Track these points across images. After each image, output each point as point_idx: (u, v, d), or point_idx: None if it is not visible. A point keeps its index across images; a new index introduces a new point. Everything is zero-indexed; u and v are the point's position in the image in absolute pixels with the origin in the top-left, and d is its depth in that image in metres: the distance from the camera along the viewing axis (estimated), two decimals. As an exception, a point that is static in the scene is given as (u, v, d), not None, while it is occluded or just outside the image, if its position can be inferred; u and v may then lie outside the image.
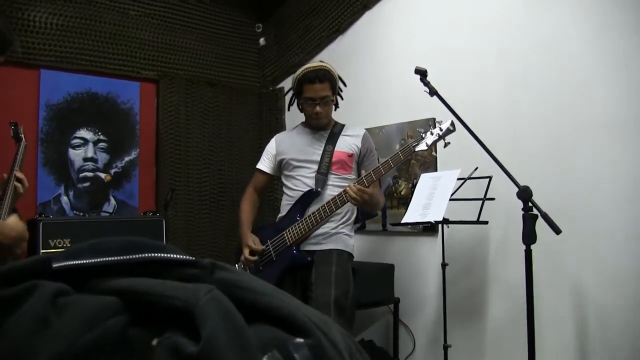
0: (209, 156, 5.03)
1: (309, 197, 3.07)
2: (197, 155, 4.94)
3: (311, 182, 3.09)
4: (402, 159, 2.94)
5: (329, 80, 3.08)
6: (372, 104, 4.53)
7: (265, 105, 5.46)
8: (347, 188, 2.87)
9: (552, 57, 3.49)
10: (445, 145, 2.81)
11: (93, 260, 0.57)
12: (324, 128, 3.19)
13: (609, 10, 3.27)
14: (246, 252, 3.13)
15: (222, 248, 5.01)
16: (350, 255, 3.13)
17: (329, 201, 2.95)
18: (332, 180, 3.10)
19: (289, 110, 3.32)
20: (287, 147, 3.22)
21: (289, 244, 3.02)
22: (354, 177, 3.15)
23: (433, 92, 2.89)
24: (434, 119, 3.92)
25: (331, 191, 3.05)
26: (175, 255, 0.61)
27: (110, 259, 0.58)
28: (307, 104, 3.10)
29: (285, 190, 3.22)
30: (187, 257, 0.61)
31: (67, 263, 0.57)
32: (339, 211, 3.06)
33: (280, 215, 3.20)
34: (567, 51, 3.43)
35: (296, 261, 3.02)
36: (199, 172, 4.95)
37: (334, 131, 3.20)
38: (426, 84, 2.89)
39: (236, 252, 3.32)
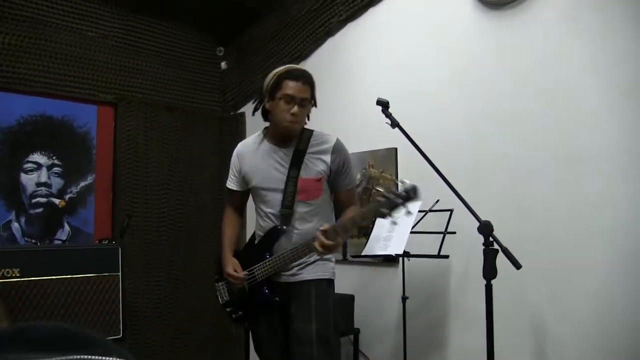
0: (167, 181, 4.96)
1: (275, 234, 2.92)
2: (155, 180, 4.87)
3: (276, 217, 2.93)
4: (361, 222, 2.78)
5: (311, 86, 2.83)
6: (334, 131, 4.38)
7: (226, 130, 5.43)
8: (314, 243, 2.61)
9: (514, 89, 3.52)
10: (408, 213, 2.48)
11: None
12: (290, 140, 2.90)
13: (572, 39, 3.30)
14: (230, 271, 3.01)
15: (180, 273, 4.96)
16: (330, 282, 3.00)
17: (294, 249, 2.79)
18: (300, 208, 2.89)
19: (253, 115, 3.06)
20: (251, 169, 2.99)
21: (259, 280, 2.93)
22: (324, 198, 2.95)
23: (395, 124, 2.89)
24: (396, 149, 4.01)
25: (299, 224, 2.89)
26: (102, 357, 0.56)
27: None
28: (283, 103, 2.78)
29: (257, 217, 3.07)
30: (117, 358, 0.56)
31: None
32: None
33: (257, 240, 3.06)
34: (530, 82, 3.46)
35: (265, 301, 2.93)
36: (157, 198, 4.88)
37: (300, 148, 2.89)
38: (388, 115, 2.88)
39: (216, 274, 3.20)
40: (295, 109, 2.78)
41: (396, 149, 4.02)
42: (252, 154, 3.00)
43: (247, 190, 3.09)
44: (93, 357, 0.56)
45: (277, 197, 2.89)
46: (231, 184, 3.13)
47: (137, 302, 4.64)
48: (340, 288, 4.20)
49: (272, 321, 2.97)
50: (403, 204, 2.41)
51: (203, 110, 5.32)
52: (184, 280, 4.91)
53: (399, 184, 2.47)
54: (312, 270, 2.91)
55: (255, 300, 2.96)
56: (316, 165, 2.87)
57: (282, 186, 2.87)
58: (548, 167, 3.35)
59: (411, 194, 2.41)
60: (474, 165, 3.65)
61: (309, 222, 2.88)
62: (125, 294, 3.95)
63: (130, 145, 4.75)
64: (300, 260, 2.87)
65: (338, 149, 2.91)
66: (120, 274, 3.84)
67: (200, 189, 5.16)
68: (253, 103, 3.07)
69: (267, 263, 2.89)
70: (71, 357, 0.54)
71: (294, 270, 2.91)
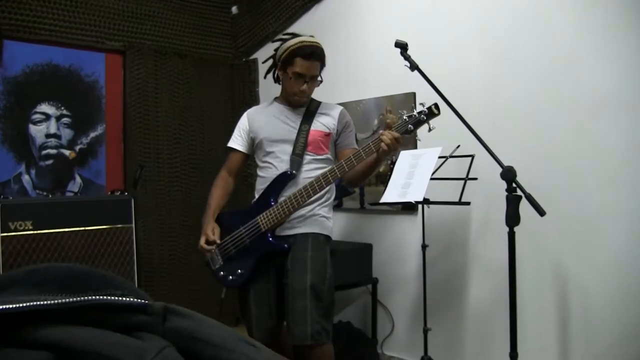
0: (179, 131, 4.95)
1: (284, 179, 2.97)
2: (167, 130, 4.85)
3: (286, 164, 3.00)
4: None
5: (321, 61, 2.98)
6: (349, 77, 4.47)
7: (238, 77, 5.38)
8: (383, 135, 2.66)
9: (535, 31, 3.46)
10: (430, 129, 2.68)
11: (23, 305, 0.49)
12: (301, 105, 3.09)
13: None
14: (202, 240, 3.05)
15: (194, 227, 4.88)
16: (328, 238, 3.05)
17: (313, 182, 2.83)
18: (307, 161, 3.00)
19: (264, 78, 3.19)
20: (261, 125, 3.10)
21: (263, 230, 2.93)
22: (329, 158, 3.08)
23: (414, 66, 2.84)
24: (414, 93, 3.95)
25: (306, 174, 2.97)
26: (122, 299, 0.52)
27: (45, 303, 0.50)
28: (294, 80, 2.96)
29: (258, 171, 3.14)
30: (136, 300, 0.53)
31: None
32: (320, 194, 3.00)
33: (253, 200, 3.12)
34: (551, 26, 3.39)
35: (272, 248, 2.95)
36: (169, 148, 4.87)
37: (310, 109, 3.09)
38: (406, 57, 2.83)
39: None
40: (305, 86, 2.97)
41: (414, 93, 3.97)
42: (263, 114, 3.14)
43: (247, 155, 3.20)
44: (111, 297, 0.53)
45: (286, 148, 3.00)
46: (234, 142, 3.20)
47: (151, 254, 4.66)
48: (358, 237, 4.37)
49: (268, 276, 3.00)
50: (426, 120, 2.66)
51: (214, 57, 5.26)
52: (197, 230, 4.79)
53: (419, 105, 2.70)
54: (311, 225, 2.99)
55: (258, 252, 2.96)
56: (325, 122, 3.07)
57: (292, 137, 3.01)
58: (572, 114, 3.30)
59: (433, 109, 2.67)
60: (496, 111, 3.60)
61: (315, 174, 2.92)
62: (139, 246, 3.97)
63: (140, 94, 4.72)
64: (299, 213, 2.94)
65: (344, 113, 3.14)
66: (133, 225, 3.87)
67: (212, 138, 5.14)
68: (263, 63, 3.24)
69: (275, 209, 2.90)
70: (89, 297, 0.52)
71: (293, 222, 2.97)
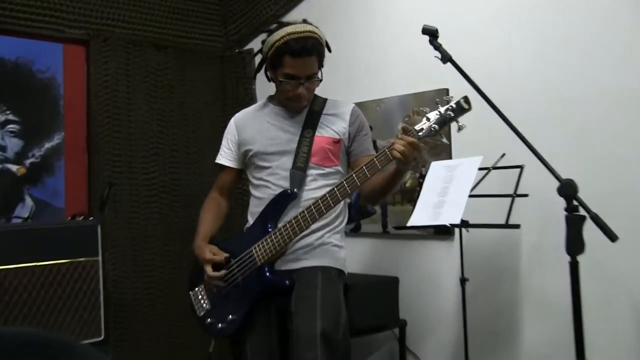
0: (158, 139, 4.94)
1: (283, 200, 2.95)
2: (142, 138, 4.85)
3: (285, 181, 2.98)
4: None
5: (318, 54, 2.92)
6: (365, 72, 4.47)
7: (229, 72, 5.39)
8: (395, 143, 2.63)
9: (595, 18, 3.47)
10: (459, 129, 2.64)
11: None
12: (301, 109, 3.07)
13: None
14: (208, 269, 3.00)
15: (176, 256, 4.95)
16: (341, 272, 3.03)
17: (317, 201, 2.79)
18: (312, 176, 2.98)
19: (254, 78, 3.20)
20: (253, 135, 3.10)
21: (259, 263, 2.91)
22: (340, 170, 3.06)
23: (446, 57, 2.78)
24: (447, 89, 3.92)
25: (311, 192, 2.95)
26: None
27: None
28: (285, 83, 2.93)
29: (252, 190, 3.13)
30: None
31: None
32: (330, 218, 2.99)
33: (247, 225, 3.11)
34: (608, 18, 3.40)
35: (270, 287, 2.92)
36: (145, 161, 4.86)
37: (314, 109, 3.08)
38: (437, 47, 2.79)
39: (189, 277, 3.23)
40: (300, 89, 2.94)
41: (447, 90, 3.96)
42: (255, 119, 3.14)
43: (240, 170, 3.21)
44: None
45: (286, 162, 2.99)
46: (222, 158, 3.21)
47: (123, 294, 4.63)
48: (380, 269, 4.35)
49: (267, 322, 2.98)
50: (453, 117, 2.61)
51: (200, 47, 5.27)
52: (182, 265, 4.88)
53: (444, 100, 2.66)
54: (320, 256, 2.98)
55: (252, 292, 2.94)
56: (334, 124, 3.05)
57: (292, 147, 3.00)
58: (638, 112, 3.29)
59: (462, 103, 2.60)
60: (550, 112, 3.61)
61: (322, 192, 2.85)
62: (108, 284, 3.95)
63: (109, 94, 4.70)
64: (305, 242, 2.93)
65: (357, 113, 3.12)
66: (100, 258, 3.84)
67: (199, 148, 5.13)
68: (254, 57, 3.27)
69: (274, 237, 2.87)
70: None
71: (298, 254, 2.95)
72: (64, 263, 3.70)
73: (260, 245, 2.90)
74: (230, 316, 2.97)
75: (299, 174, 2.95)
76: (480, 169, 3.37)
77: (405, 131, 2.66)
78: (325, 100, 3.12)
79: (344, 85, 4.25)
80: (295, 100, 2.98)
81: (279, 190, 2.97)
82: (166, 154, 4.98)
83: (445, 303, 4.06)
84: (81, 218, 3.99)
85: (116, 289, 4.53)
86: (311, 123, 3.03)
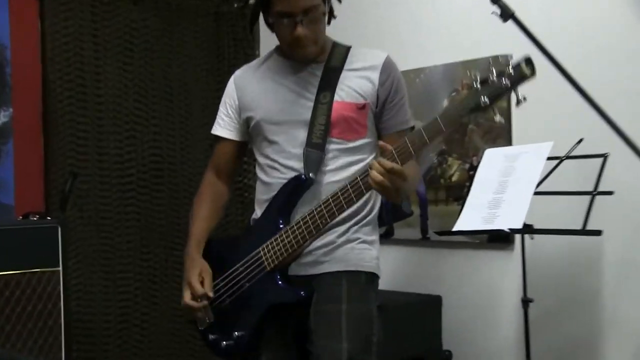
0: (135, 118, 4.86)
1: (297, 189, 2.85)
2: (115, 117, 4.77)
3: (297, 161, 2.86)
4: (443, 128, 2.59)
5: None
6: (402, 33, 4.44)
7: (226, 33, 5.34)
8: (370, 167, 2.54)
9: None
10: (518, 102, 2.48)
11: None
12: (314, 59, 2.94)
13: None
14: (186, 295, 2.95)
15: (159, 267, 4.89)
16: (373, 278, 2.93)
17: (336, 194, 2.69)
18: (333, 154, 2.85)
19: (250, 30, 3.10)
20: (256, 98, 2.97)
21: (268, 268, 2.83)
22: (369, 142, 2.93)
23: (507, 13, 2.66)
24: (509, 56, 3.74)
25: (332, 175, 2.84)
26: None
27: None
28: (280, 24, 2.84)
29: (258, 173, 3.05)
30: None
31: None
32: (355, 207, 2.85)
33: (254, 216, 3.05)
34: None
35: (283, 299, 2.85)
36: (118, 146, 4.79)
37: (332, 64, 2.92)
38: (495, 0, 2.69)
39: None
40: (299, 30, 2.81)
41: (509, 56, 3.75)
42: (258, 77, 3.07)
43: (243, 143, 3.14)
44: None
45: (298, 135, 2.86)
46: (219, 128, 3.14)
47: (91, 314, 4.56)
48: (419, 285, 4.30)
49: (283, 338, 2.93)
50: (511, 87, 2.38)
51: (189, 1, 5.18)
52: (164, 279, 4.85)
53: (497, 63, 2.46)
54: (345, 258, 2.87)
55: (262, 304, 2.87)
56: (359, 86, 2.90)
57: (305, 116, 2.87)
58: None
59: (523, 67, 2.37)
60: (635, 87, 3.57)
61: (347, 174, 2.82)
62: (70, 302, 3.90)
63: (71, 60, 4.61)
64: (325, 239, 2.84)
65: (390, 67, 2.95)
66: (60, 269, 3.77)
67: (188, 131, 5.08)
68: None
69: (285, 236, 2.81)
70: None
71: (316, 256, 2.86)
72: (12, 275, 3.64)
73: (270, 246, 2.83)
74: (236, 332, 2.93)
75: (314, 152, 2.83)
76: (549, 158, 3.30)
77: (383, 151, 2.56)
78: (347, 49, 2.98)
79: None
80: (295, 45, 2.85)
81: (289, 174, 2.86)
82: (145, 136, 4.91)
83: (502, 331, 4.04)
84: (36, 218, 3.92)
85: (81, 308, 4.45)
86: (328, 83, 2.88)
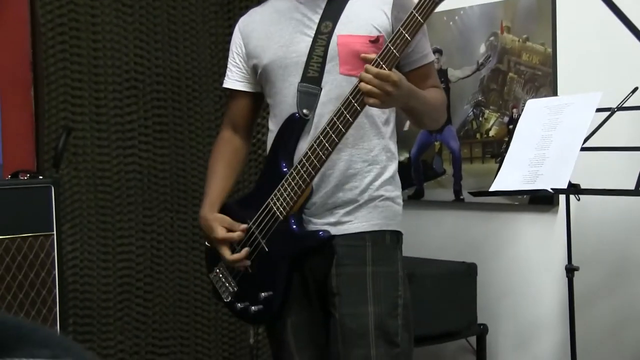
0: (135, 67, 4.84)
1: (291, 129, 2.94)
2: (113, 66, 4.75)
3: (292, 100, 2.95)
4: (420, 19, 2.67)
5: None
6: None
7: None
8: (360, 80, 2.63)
9: None
10: None
11: None
12: None
13: None
14: (225, 252, 3.00)
15: (163, 231, 4.91)
16: (398, 235, 3.04)
17: (332, 120, 2.75)
18: (333, 86, 2.91)
19: None
20: (260, 43, 3.07)
21: (281, 217, 2.92)
22: None
23: None
24: None
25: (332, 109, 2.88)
26: None
27: None
28: None
29: (270, 122, 3.14)
30: None
31: None
32: (372, 154, 2.96)
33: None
34: None
35: (303, 244, 2.94)
36: (117, 97, 4.77)
37: None
38: None
39: (206, 256, 3.28)
40: None
41: None
42: (262, 21, 3.14)
43: (257, 94, 3.20)
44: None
45: (296, 72, 2.94)
46: (230, 80, 3.22)
47: (88, 284, 4.58)
48: (451, 252, 4.36)
49: (308, 297, 3.02)
50: None
51: None
52: (169, 245, 4.87)
53: None
54: (368, 215, 2.96)
55: (283, 258, 2.95)
56: (370, 17, 2.95)
57: (304, 51, 2.95)
58: None
59: None
60: None
61: None
62: (65, 270, 3.96)
63: (63, 2, 4.57)
64: (346, 196, 2.92)
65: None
66: (54, 233, 3.81)
67: (195, 81, 5.06)
68: None
69: (291, 179, 2.89)
70: None
71: (337, 216, 2.95)
72: (1, 241, 3.67)
73: (278, 194, 2.92)
74: (263, 294, 2.98)
75: (309, 87, 2.91)
76: (599, 109, 3.27)
77: (366, 61, 2.66)
78: None
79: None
80: None
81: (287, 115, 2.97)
82: (148, 87, 4.89)
83: (544, 304, 4.06)
84: (26, 177, 3.94)
85: (78, 277, 4.48)
86: (332, 12, 2.94)
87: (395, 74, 2.61)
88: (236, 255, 2.97)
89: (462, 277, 4.08)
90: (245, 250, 2.98)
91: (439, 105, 2.93)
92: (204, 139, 5.02)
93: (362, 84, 2.56)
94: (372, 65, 2.59)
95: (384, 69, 2.61)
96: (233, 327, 5.01)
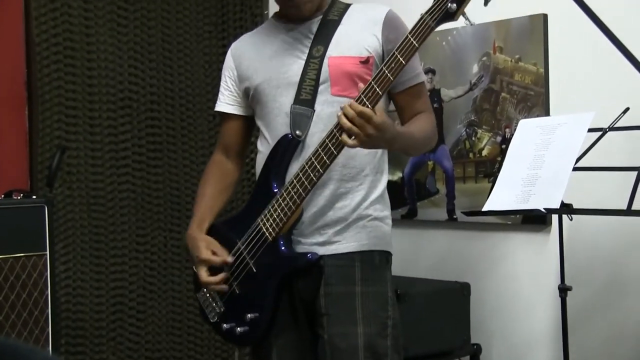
0: (130, 87, 4.87)
1: (284, 149, 2.93)
2: (107, 85, 4.78)
3: (286, 122, 2.94)
4: (415, 43, 2.65)
5: None
6: None
7: None
8: (340, 117, 2.61)
9: None
10: (468, 23, 2.63)
11: None
12: (310, 16, 3.03)
13: None
14: (202, 273, 3.02)
15: (157, 252, 4.93)
16: (387, 256, 3.04)
17: (324, 142, 2.74)
18: (325, 107, 2.90)
19: None
20: (252, 64, 3.10)
21: (270, 238, 2.90)
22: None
23: None
24: (544, 16, 3.97)
25: (324, 132, 2.85)
26: None
27: None
28: None
29: (259, 143, 3.13)
30: None
31: None
32: (363, 174, 2.96)
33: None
34: None
35: (291, 266, 2.92)
36: (112, 117, 4.80)
37: (329, 17, 3.01)
38: None
39: (195, 275, 3.23)
40: None
41: (545, 15, 3.95)
42: (254, 43, 3.17)
43: (249, 118, 3.21)
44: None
45: (288, 95, 2.95)
46: (222, 103, 3.24)
47: (81, 304, 4.58)
48: (444, 272, 4.32)
49: (296, 319, 3.00)
50: (456, 9, 2.54)
51: None
52: (162, 265, 4.89)
53: None
54: (357, 236, 2.95)
55: (272, 279, 2.93)
56: (359, 38, 2.97)
57: (297, 74, 2.96)
58: None
59: None
60: None
61: None
62: (58, 290, 3.95)
63: (58, 20, 4.60)
64: (335, 215, 2.92)
65: (393, 20, 3.01)
66: (47, 253, 3.81)
67: (189, 100, 5.09)
68: None
69: (281, 200, 2.87)
70: None
71: (326, 234, 2.93)
72: None
73: (268, 215, 2.91)
74: (250, 315, 2.97)
75: (302, 109, 2.91)
76: (591, 130, 3.27)
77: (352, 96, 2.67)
78: (347, 6, 3.05)
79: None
80: (289, 0, 2.95)
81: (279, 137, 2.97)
82: (142, 107, 4.92)
83: (537, 323, 4.06)
84: (20, 196, 3.94)
85: (70, 297, 4.49)
86: (323, 36, 2.96)
87: (379, 117, 2.56)
88: (211, 279, 2.98)
89: (456, 296, 4.06)
90: (221, 275, 2.98)
91: (427, 137, 2.92)
92: (198, 159, 5.05)
93: (343, 120, 2.54)
94: (357, 101, 2.56)
95: (368, 106, 2.57)
96: (226, 347, 5.02)
